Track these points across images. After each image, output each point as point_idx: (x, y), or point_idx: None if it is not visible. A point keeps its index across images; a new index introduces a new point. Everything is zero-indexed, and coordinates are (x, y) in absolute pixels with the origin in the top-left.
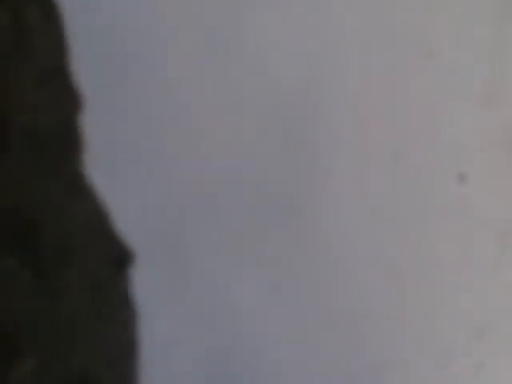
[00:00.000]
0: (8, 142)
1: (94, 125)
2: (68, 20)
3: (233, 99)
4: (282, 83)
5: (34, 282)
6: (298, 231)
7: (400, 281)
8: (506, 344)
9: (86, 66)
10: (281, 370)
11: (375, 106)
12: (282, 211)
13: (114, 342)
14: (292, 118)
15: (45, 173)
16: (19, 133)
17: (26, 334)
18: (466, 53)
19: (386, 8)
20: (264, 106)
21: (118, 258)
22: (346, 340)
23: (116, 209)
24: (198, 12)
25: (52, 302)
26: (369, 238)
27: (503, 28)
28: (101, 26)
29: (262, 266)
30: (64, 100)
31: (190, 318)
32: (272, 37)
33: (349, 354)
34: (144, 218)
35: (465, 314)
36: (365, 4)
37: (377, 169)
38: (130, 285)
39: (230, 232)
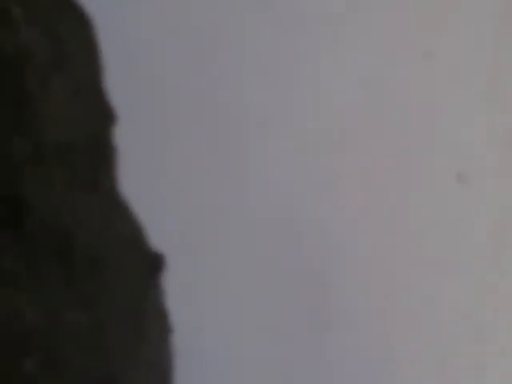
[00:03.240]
0: (41, 155)
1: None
2: (100, 32)
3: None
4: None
5: (67, 293)
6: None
7: (400, 281)
8: (506, 344)
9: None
10: None
11: (375, 107)
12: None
13: (148, 354)
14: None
15: (78, 186)
16: (52, 147)
17: (61, 347)
18: (466, 53)
19: (386, 8)
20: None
21: (152, 269)
22: (346, 340)
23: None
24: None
25: (84, 313)
26: (366, 237)
27: (503, 28)
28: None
29: None
30: (97, 114)
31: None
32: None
33: (348, 354)
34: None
35: (465, 314)
36: (365, 4)
37: (376, 169)
38: (164, 298)
39: None
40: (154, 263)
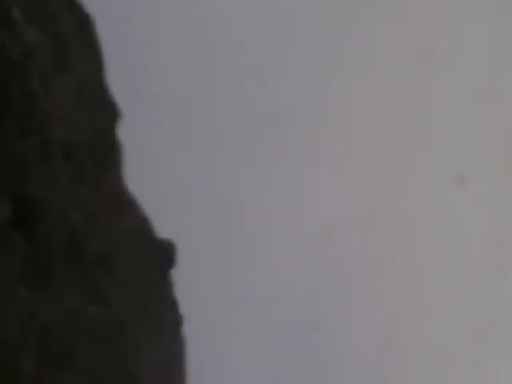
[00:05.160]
0: (46, 155)
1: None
2: (101, 33)
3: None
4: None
5: (80, 290)
6: None
7: (402, 282)
8: (506, 344)
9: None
10: None
11: (375, 108)
12: None
13: (162, 344)
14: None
15: (86, 184)
16: (59, 146)
17: (75, 342)
18: (466, 53)
19: (386, 8)
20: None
21: (163, 261)
22: (346, 340)
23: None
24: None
25: (98, 309)
26: (369, 238)
27: (503, 28)
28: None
29: None
30: (101, 111)
31: None
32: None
33: (348, 354)
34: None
35: (465, 315)
36: (366, 4)
37: (376, 170)
38: (175, 291)
39: None
40: (164, 253)
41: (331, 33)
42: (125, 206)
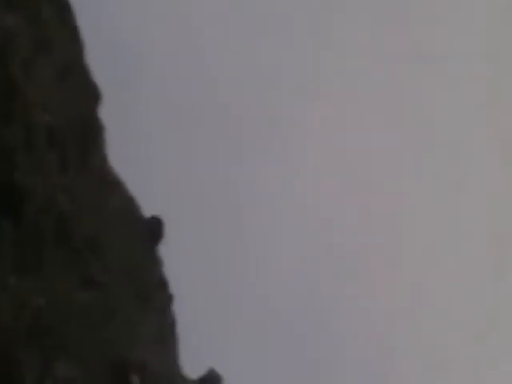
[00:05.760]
0: (31, 141)
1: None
2: (80, 17)
3: None
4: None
5: (71, 275)
6: None
7: (402, 282)
8: (506, 344)
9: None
10: None
11: (374, 109)
12: None
13: (154, 324)
14: None
15: (71, 167)
16: (43, 131)
17: (67, 323)
18: (466, 53)
19: (386, 9)
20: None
21: (150, 236)
22: (346, 341)
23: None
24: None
25: (90, 293)
26: (368, 239)
27: (503, 32)
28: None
29: None
30: (83, 94)
31: None
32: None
33: (348, 354)
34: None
35: (465, 315)
36: (365, 4)
37: (376, 171)
38: (163, 267)
39: None
40: (152, 229)
41: (329, 32)
42: (111, 186)
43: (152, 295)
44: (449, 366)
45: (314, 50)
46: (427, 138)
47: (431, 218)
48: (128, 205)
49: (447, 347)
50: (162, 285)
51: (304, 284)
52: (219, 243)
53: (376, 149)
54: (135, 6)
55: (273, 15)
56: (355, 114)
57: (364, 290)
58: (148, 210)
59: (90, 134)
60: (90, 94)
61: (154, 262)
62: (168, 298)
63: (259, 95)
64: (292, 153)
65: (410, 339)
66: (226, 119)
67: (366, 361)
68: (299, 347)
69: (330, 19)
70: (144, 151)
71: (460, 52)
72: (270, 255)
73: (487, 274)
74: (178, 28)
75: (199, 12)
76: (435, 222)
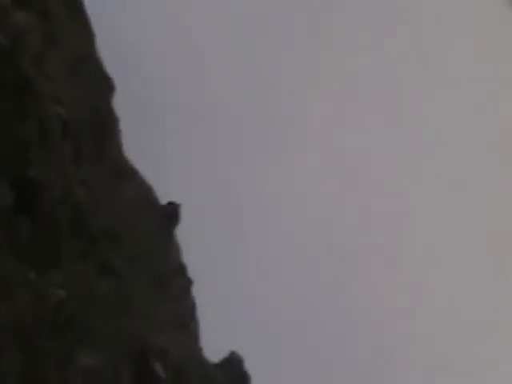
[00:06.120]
0: (45, 135)
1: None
2: (89, 9)
3: None
4: None
5: (89, 264)
6: None
7: (401, 282)
8: (506, 344)
9: None
10: None
11: (374, 109)
12: None
13: (173, 309)
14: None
15: (86, 159)
16: (57, 124)
17: (87, 311)
18: (466, 53)
19: (387, 9)
20: None
21: (167, 224)
22: (347, 340)
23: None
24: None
25: (108, 281)
26: (369, 239)
27: (501, 34)
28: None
29: None
30: (96, 86)
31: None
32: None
33: (349, 354)
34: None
35: (465, 315)
36: (366, 4)
37: (376, 171)
38: (181, 252)
39: None
40: (167, 215)
41: (329, 33)
42: (126, 176)
43: (170, 281)
44: (449, 366)
45: (314, 50)
46: (427, 138)
47: (431, 217)
48: (144, 193)
49: (447, 347)
50: (180, 270)
51: (304, 284)
52: (219, 242)
53: (376, 148)
54: (135, 6)
55: (273, 15)
56: (355, 114)
57: (363, 291)
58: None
59: (104, 125)
60: (103, 86)
61: (172, 248)
62: (187, 283)
63: (259, 95)
64: (292, 153)
65: (410, 339)
66: (226, 119)
67: (365, 360)
68: (299, 345)
69: (330, 19)
70: (144, 151)
71: (460, 52)
72: (269, 254)
73: (487, 273)
74: (177, 28)
75: (199, 12)
76: (435, 222)
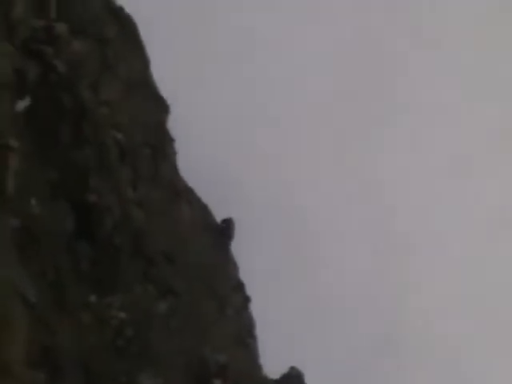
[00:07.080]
0: (103, 160)
1: None
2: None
3: None
4: None
5: (147, 286)
6: None
7: (402, 283)
8: (505, 344)
9: None
10: None
11: (374, 109)
12: None
13: (232, 326)
14: None
15: (141, 183)
16: (115, 149)
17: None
18: (466, 53)
19: (387, 9)
20: None
21: (222, 239)
22: (348, 339)
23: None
24: None
25: (166, 302)
26: (368, 233)
27: (501, 32)
28: None
29: None
30: (151, 107)
31: None
32: None
33: (349, 354)
34: None
35: (465, 315)
36: (366, 4)
37: (377, 171)
38: (238, 269)
39: None
40: (223, 232)
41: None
42: (182, 196)
43: (228, 298)
44: (448, 366)
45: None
46: (427, 138)
47: (431, 217)
48: (199, 211)
49: (446, 347)
50: (238, 287)
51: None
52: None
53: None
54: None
55: None
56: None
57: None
58: None
59: (159, 146)
60: (158, 107)
61: (229, 265)
62: (245, 300)
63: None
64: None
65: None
66: None
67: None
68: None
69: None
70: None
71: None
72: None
73: (487, 273)
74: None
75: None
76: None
